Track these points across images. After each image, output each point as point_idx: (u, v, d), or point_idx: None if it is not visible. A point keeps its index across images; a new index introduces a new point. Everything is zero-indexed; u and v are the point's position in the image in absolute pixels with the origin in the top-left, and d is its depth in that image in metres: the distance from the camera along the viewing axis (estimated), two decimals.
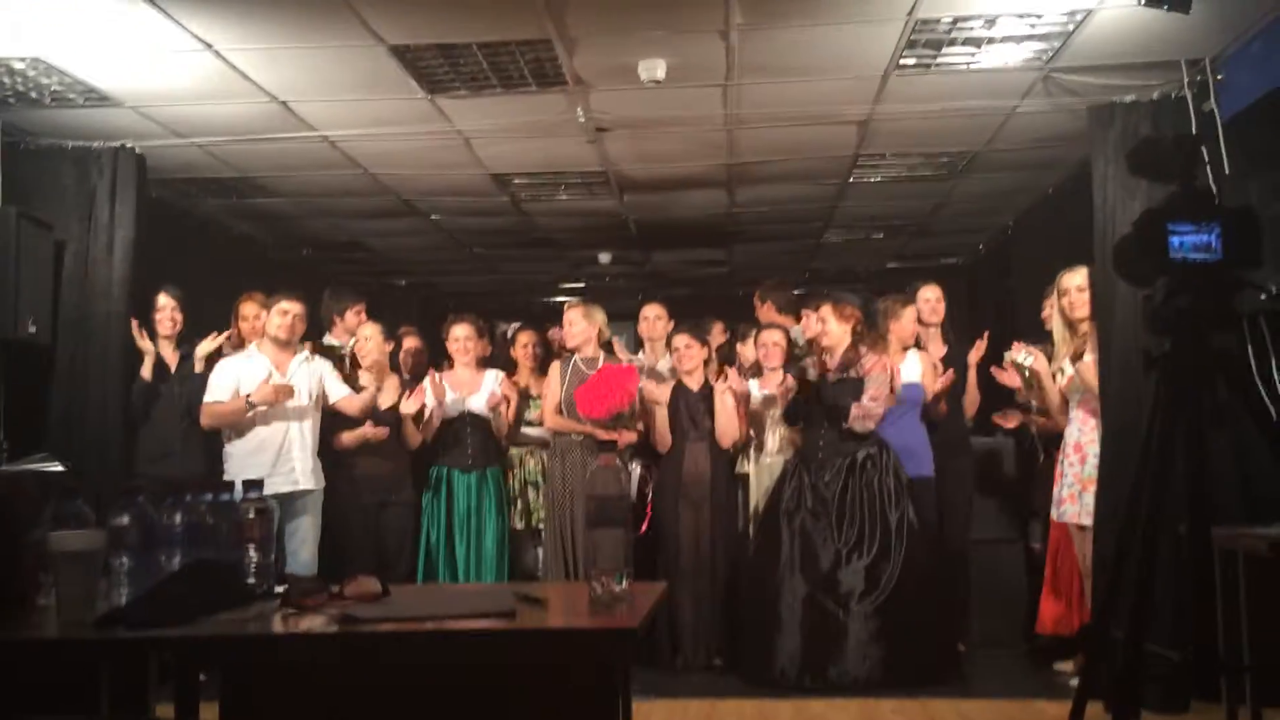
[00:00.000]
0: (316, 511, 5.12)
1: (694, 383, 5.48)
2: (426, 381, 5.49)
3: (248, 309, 5.52)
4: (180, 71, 4.58)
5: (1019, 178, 6.62)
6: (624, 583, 2.23)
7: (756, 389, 5.44)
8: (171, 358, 5.32)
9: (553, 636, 2.19)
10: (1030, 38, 4.42)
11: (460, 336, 5.64)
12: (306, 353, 5.28)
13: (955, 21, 4.26)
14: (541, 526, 5.63)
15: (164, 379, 5.25)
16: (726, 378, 5.36)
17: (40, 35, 4.22)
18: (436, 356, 6.01)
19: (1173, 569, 3.59)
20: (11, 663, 2.31)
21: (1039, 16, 4.22)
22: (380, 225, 7.67)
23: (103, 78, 4.67)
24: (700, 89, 4.97)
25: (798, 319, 5.81)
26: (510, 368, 5.99)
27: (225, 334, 5.43)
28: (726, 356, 6.10)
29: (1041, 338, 5.21)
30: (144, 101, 4.97)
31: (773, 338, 5.49)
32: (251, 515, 2.42)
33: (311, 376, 5.20)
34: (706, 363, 5.61)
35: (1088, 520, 4.69)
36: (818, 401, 5.04)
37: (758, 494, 5.41)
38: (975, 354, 5.72)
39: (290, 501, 4.95)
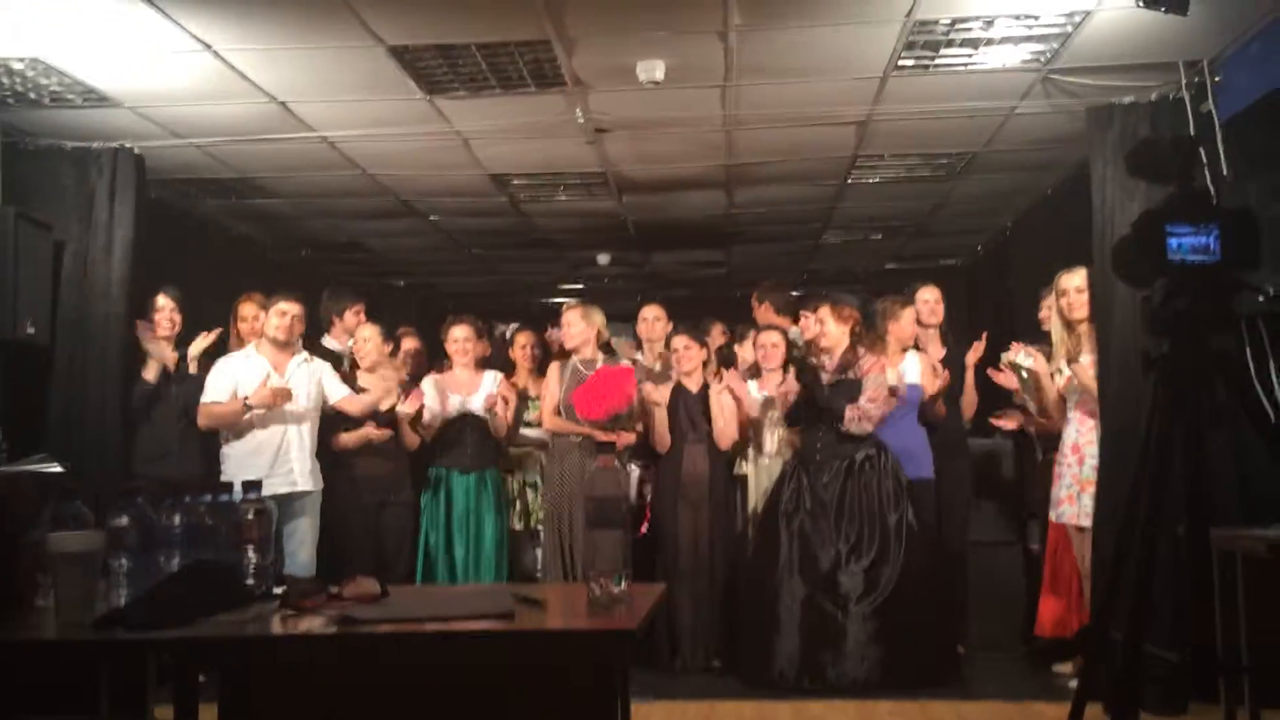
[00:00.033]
0: (315, 512, 5.12)
1: (693, 384, 5.48)
2: (425, 383, 5.50)
3: (247, 310, 5.51)
4: (179, 72, 4.58)
5: (1017, 179, 6.63)
6: (623, 584, 2.23)
7: (755, 390, 5.44)
8: (170, 359, 5.31)
9: (551, 638, 2.19)
10: (1028, 39, 4.43)
11: (459, 338, 5.64)
12: (305, 354, 5.28)
13: (953, 23, 4.27)
14: (540, 527, 5.64)
15: (168, 381, 5.25)
16: (722, 378, 5.37)
17: (40, 36, 4.22)
18: (435, 357, 6.01)
19: (1171, 570, 3.59)
20: (10, 664, 2.31)
21: (1037, 18, 4.22)
22: (379, 226, 7.67)
23: (102, 78, 4.67)
24: (699, 90, 4.97)
25: (795, 320, 5.80)
26: (508, 369, 5.99)
27: (215, 332, 5.42)
28: (725, 358, 6.09)
29: (1039, 339, 5.21)
30: (143, 102, 4.97)
31: (771, 339, 5.49)
32: (250, 516, 2.42)
33: (310, 377, 5.20)
34: (705, 364, 5.61)
35: (1086, 521, 4.69)
36: (814, 403, 5.05)
37: (756, 495, 5.40)
38: (973, 355, 5.71)
39: (288, 503, 4.94)
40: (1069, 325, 4.89)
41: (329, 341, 5.83)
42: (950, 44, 4.47)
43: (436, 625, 2.16)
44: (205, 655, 2.53)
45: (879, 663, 4.74)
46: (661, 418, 5.43)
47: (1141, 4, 3.75)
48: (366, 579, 2.44)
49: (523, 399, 5.81)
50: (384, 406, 5.31)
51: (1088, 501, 4.70)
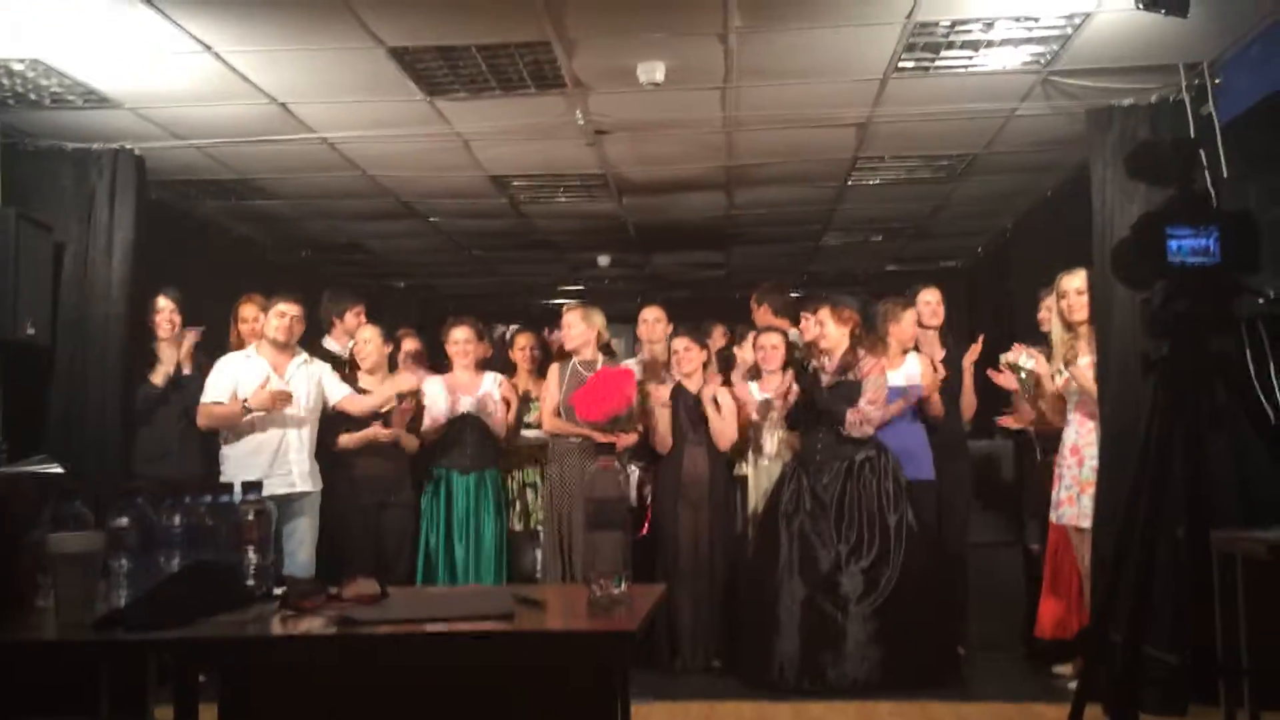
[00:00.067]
0: (314, 513, 5.12)
1: (693, 385, 5.49)
2: (433, 384, 5.49)
3: (247, 311, 5.52)
4: (179, 73, 4.58)
5: (1018, 180, 6.63)
6: (623, 585, 2.23)
7: (757, 392, 5.44)
8: (167, 359, 5.32)
9: (551, 639, 2.19)
10: (1028, 41, 4.43)
11: (460, 339, 5.64)
12: (305, 355, 5.28)
13: (954, 25, 4.27)
14: (540, 528, 5.63)
15: (174, 386, 5.25)
16: (706, 382, 5.37)
17: (40, 37, 4.22)
18: (435, 359, 6.01)
19: (1171, 572, 3.59)
20: (10, 665, 2.31)
21: (1037, 20, 4.22)
22: (379, 227, 7.67)
23: (102, 79, 4.67)
24: (699, 91, 4.97)
25: (794, 321, 5.81)
26: (509, 370, 5.99)
27: (199, 329, 5.42)
28: (725, 359, 6.10)
29: (1039, 340, 5.22)
30: (143, 103, 4.97)
31: (771, 340, 5.49)
32: (250, 517, 2.42)
33: (310, 379, 5.20)
34: (706, 365, 5.61)
35: (1086, 523, 4.69)
36: (814, 405, 5.05)
37: (756, 496, 5.40)
38: (969, 357, 5.72)
39: (287, 503, 4.94)
40: (1069, 327, 4.89)
41: (329, 343, 5.84)
42: (950, 46, 4.47)
43: (436, 626, 2.16)
44: (205, 656, 2.54)
45: (879, 663, 4.74)
46: (665, 420, 5.42)
47: (1141, 6, 3.75)
48: (366, 580, 2.44)
49: (525, 400, 5.81)
50: (385, 407, 5.32)
51: (1087, 503, 4.70)
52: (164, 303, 5.34)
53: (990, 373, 5.38)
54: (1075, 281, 4.85)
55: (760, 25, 4.26)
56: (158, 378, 5.23)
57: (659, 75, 4.59)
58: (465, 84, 4.80)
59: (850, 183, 6.63)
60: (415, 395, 5.44)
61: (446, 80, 4.76)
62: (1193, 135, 4.53)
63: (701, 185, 6.68)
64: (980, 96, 5.08)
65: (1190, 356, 2.75)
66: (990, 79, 4.84)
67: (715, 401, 5.38)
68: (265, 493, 2.56)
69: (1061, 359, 4.90)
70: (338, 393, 5.26)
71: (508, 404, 5.58)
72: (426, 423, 5.49)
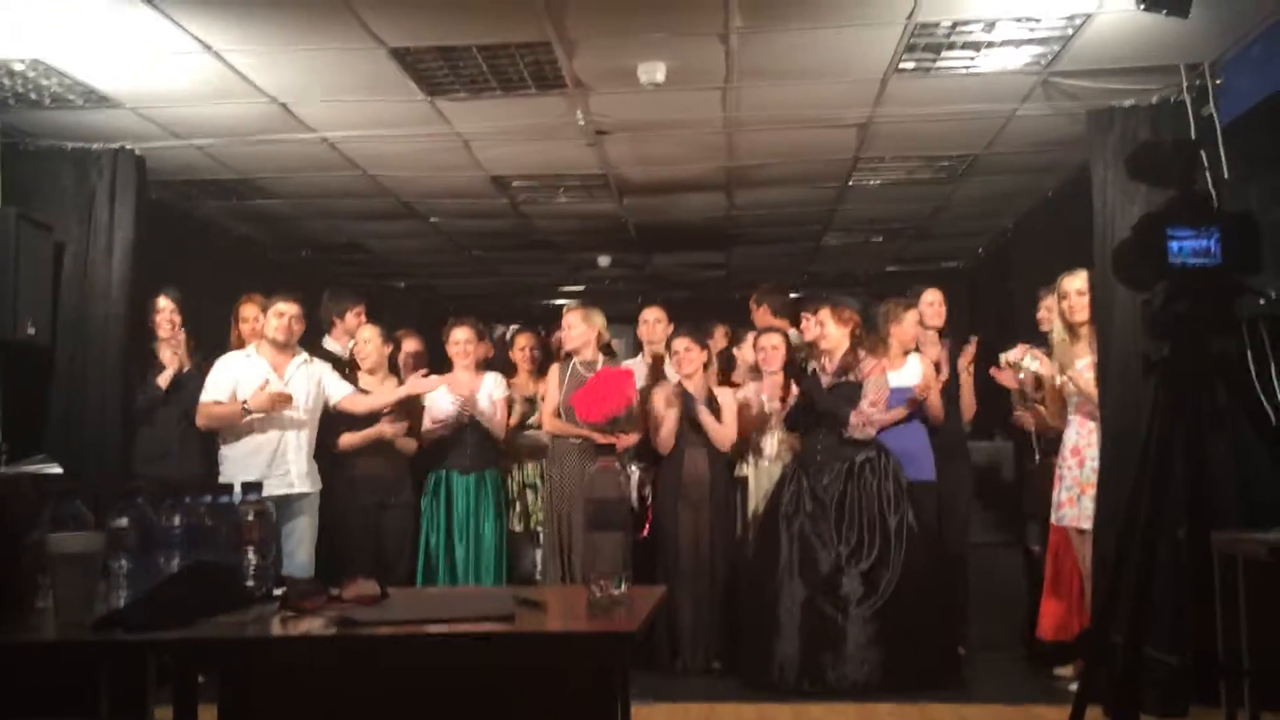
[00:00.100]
0: (313, 513, 5.12)
1: (693, 386, 5.48)
2: (434, 393, 5.49)
3: (248, 311, 5.51)
4: (180, 73, 4.58)
5: (1018, 181, 6.63)
6: (623, 586, 2.23)
7: (756, 392, 5.44)
8: (170, 360, 5.31)
9: (552, 640, 2.19)
10: (1029, 42, 4.43)
11: (460, 340, 5.64)
12: (305, 355, 5.28)
13: (954, 25, 4.27)
14: (540, 529, 5.63)
15: (177, 388, 5.25)
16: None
17: (40, 37, 4.22)
18: (436, 359, 6.01)
19: (1172, 573, 3.59)
20: (10, 665, 2.30)
21: (1038, 20, 4.22)
22: (379, 227, 7.67)
23: (102, 79, 4.67)
24: (700, 92, 4.97)
25: (793, 322, 5.81)
26: (509, 371, 5.99)
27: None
28: (726, 360, 6.09)
29: (1039, 340, 5.22)
30: (143, 103, 4.97)
31: (771, 341, 5.48)
32: (250, 517, 2.42)
33: (310, 379, 5.20)
34: (706, 366, 5.61)
35: (1087, 524, 4.69)
36: (814, 407, 5.04)
37: (757, 497, 5.40)
38: (965, 359, 5.72)
39: (286, 504, 4.93)
40: (1070, 328, 4.89)
41: (329, 343, 5.83)
42: (951, 46, 4.47)
43: (437, 627, 2.16)
44: (205, 656, 2.53)
45: (879, 665, 4.74)
46: (671, 421, 5.41)
47: (1142, 7, 3.76)
48: (366, 580, 2.44)
49: (528, 401, 5.81)
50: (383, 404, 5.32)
51: (1088, 504, 4.69)
52: (164, 303, 5.34)
53: (992, 371, 5.37)
54: (1076, 282, 4.85)
55: (761, 25, 4.26)
56: (163, 379, 5.22)
57: (659, 75, 4.59)
58: (466, 84, 4.80)
59: (851, 183, 6.63)
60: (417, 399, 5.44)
61: (447, 80, 4.76)
62: (1194, 136, 4.52)
63: (702, 186, 6.68)
64: (981, 97, 5.07)
65: (1191, 357, 2.74)
66: (991, 80, 4.84)
67: (711, 407, 5.37)
68: (264, 493, 2.56)
69: (1058, 364, 4.90)
70: (339, 392, 5.25)
71: (510, 405, 5.58)
72: (427, 423, 5.49)
